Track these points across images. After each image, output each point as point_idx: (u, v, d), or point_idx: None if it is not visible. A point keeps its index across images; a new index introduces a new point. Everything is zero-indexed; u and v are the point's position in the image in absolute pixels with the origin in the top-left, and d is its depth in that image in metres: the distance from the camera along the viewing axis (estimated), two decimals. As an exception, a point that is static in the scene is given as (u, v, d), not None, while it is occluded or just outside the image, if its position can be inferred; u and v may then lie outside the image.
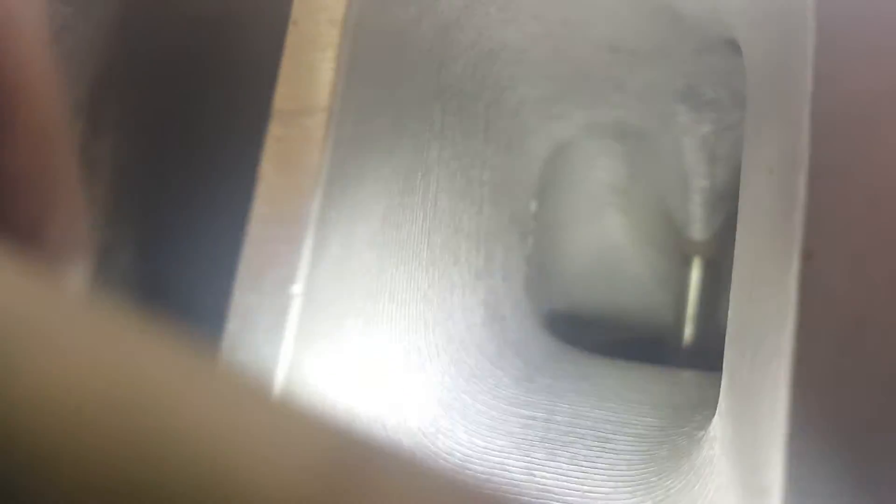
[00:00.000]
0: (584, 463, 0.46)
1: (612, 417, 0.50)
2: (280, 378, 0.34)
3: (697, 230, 0.72)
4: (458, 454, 0.46)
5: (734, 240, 0.41)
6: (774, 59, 0.37)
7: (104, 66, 0.48)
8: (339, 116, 0.36)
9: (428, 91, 0.46)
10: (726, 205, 0.70)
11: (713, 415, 0.44)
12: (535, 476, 0.46)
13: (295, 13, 0.37)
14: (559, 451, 0.47)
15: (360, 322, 0.41)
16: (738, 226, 0.39)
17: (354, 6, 0.36)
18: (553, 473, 0.46)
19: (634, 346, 0.82)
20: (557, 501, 0.44)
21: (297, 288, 0.34)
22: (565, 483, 0.45)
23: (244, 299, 0.34)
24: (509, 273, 0.65)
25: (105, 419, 0.09)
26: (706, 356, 0.73)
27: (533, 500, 0.44)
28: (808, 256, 0.30)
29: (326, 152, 0.35)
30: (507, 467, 0.46)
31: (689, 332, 0.75)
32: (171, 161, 0.50)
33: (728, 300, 0.41)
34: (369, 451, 0.10)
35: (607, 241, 0.81)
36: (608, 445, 0.47)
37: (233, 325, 0.34)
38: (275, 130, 0.35)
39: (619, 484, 0.45)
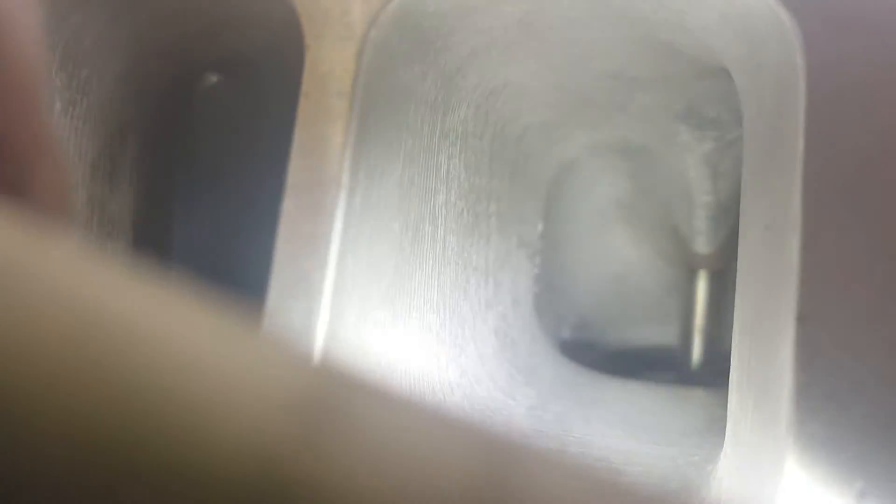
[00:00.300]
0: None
1: (622, 447, 0.51)
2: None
3: (702, 243, 0.73)
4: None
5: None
6: (768, 111, 0.38)
7: (118, 124, 0.49)
8: (350, 187, 0.37)
9: (433, 139, 0.48)
10: (730, 218, 0.71)
11: (722, 441, 0.45)
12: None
13: (305, 85, 0.38)
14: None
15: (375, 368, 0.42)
16: (738, 279, 0.40)
17: (362, 75, 0.38)
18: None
19: (644, 357, 0.84)
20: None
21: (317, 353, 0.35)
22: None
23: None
24: (519, 296, 0.67)
25: (87, 355, 0.09)
26: (714, 364, 0.74)
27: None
28: (803, 320, 0.32)
29: (337, 222, 0.37)
30: None
31: (697, 341, 0.76)
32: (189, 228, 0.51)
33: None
34: (351, 388, 0.10)
35: (615, 254, 0.82)
36: (620, 478, 0.48)
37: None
38: (288, 204, 0.37)
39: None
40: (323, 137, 0.37)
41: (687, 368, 0.77)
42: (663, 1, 0.39)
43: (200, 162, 0.55)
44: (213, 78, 0.55)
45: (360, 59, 0.37)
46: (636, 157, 0.73)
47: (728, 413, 0.41)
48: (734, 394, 0.40)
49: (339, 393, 0.10)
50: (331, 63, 0.37)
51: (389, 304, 0.42)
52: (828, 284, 0.32)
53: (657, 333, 0.85)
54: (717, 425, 0.51)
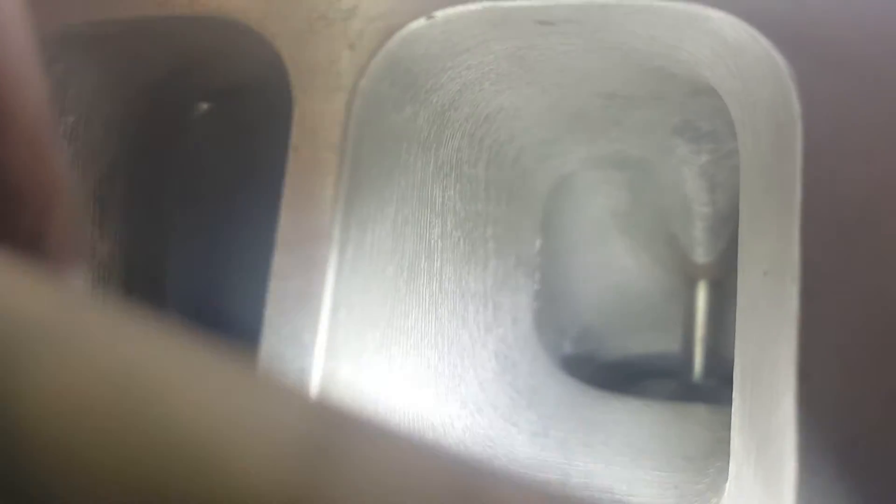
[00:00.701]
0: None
1: (626, 475, 0.51)
2: None
3: (701, 254, 0.72)
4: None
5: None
6: (765, 149, 0.37)
7: (107, 166, 0.48)
8: (341, 241, 0.37)
9: (427, 174, 0.47)
10: (728, 228, 0.71)
11: (726, 467, 0.44)
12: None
13: (294, 139, 0.37)
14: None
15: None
16: (737, 328, 0.39)
17: (351, 126, 0.37)
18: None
19: (647, 366, 0.83)
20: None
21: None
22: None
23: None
24: (519, 315, 0.66)
25: (121, 413, 0.09)
26: (717, 374, 0.74)
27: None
28: (805, 377, 0.31)
29: (329, 278, 0.36)
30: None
31: (699, 351, 0.76)
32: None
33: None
34: (351, 429, 0.10)
35: (615, 263, 0.81)
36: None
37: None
38: (279, 259, 0.36)
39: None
40: (313, 191, 0.36)
41: (689, 378, 0.77)
42: (655, 36, 0.38)
43: (193, 197, 0.55)
44: (204, 106, 0.54)
45: (349, 111, 0.36)
46: (633, 170, 0.73)
47: (731, 451, 0.41)
48: (737, 435, 0.40)
49: (340, 434, 0.10)
50: (320, 116, 0.37)
51: (386, 349, 0.42)
52: (829, 338, 0.31)
53: (659, 341, 0.84)
54: (720, 447, 0.51)
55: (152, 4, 0.39)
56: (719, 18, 0.34)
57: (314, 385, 0.35)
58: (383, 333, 0.42)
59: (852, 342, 0.31)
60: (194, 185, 0.54)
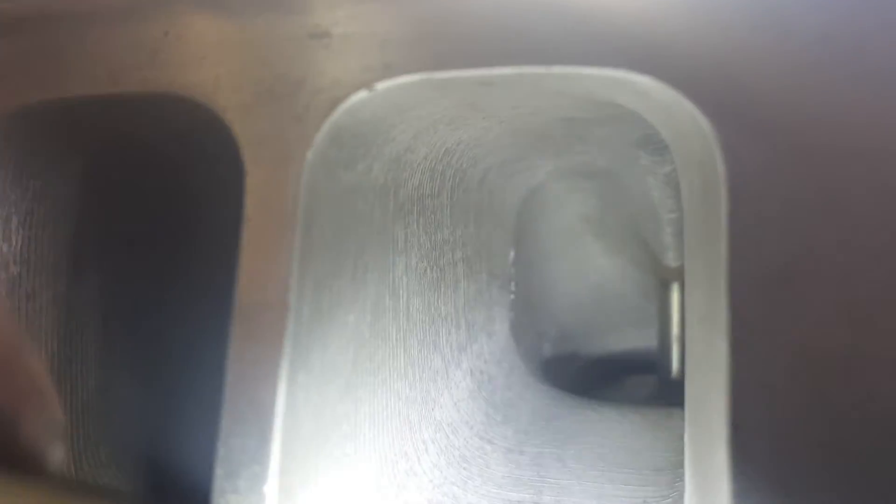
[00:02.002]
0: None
1: (596, 491, 0.53)
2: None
3: (672, 258, 0.74)
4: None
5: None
6: (697, 198, 0.39)
7: (79, 222, 0.50)
8: (297, 308, 0.38)
9: (386, 217, 0.48)
10: (698, 232, 0.72)
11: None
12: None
13: (247, 210, 0.39)
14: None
15: (342, 462, 0.44)
16: (686, 362, 0.41)
17: (303, 196, 0.38)
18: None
19: (626, 362, 0.85)
20: None
21: (273, 476, 0.37)
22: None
23: (223, 486, 0.37)
24: (494, 328, 0.68)
25: None
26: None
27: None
28: (736, 428, 0.33)
29: (286, 344, 0.38)
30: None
31: (675, 350, 0.78)
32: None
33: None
34: None
35: (589, 265, 0.83)
36: (592, 529, 0.50)
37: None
38: (236, 328, 0.38)
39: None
40: (266, 261, 0.38)
41: (667, 374, 0.79)
42: (592, 92, 0.39)
43: (144, 269, 0.56)
44: (157, 180, 0.55)
45: (298, 180, 0.38)
46: (601, 178, 0.74)
47: (685, 481, 0.42)
48: (689, 468, 0.42)
49: None
50: (270, 187, 0.38)
51: (352, 393, 0.44)
52: (758, 392, 0.33)
53: (637, 338, 0.86)
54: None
55: (105, 82, 0.40)
56: (645, 83, 0.35)
57: (275, 450, 0.36)
58: (348, 380, 0.44)
59: (780, 396, 0.33)
60: (145, 258, 0.55)
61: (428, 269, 0.55)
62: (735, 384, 0.33)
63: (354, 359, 0.45)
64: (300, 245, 0.38)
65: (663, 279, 0.76)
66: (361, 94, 0.38)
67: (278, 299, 0.38)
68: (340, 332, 0.43)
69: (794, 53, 0.34)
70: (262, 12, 0.39)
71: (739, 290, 0.34)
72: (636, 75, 0.35)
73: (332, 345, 0.42)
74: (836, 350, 0.32)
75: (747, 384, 0.33)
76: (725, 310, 0.34)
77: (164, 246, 0.53)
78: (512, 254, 0.72)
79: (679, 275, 0.75)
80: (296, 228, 0.38)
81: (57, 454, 0.20)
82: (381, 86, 0.37)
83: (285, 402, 0.37)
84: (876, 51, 0.34)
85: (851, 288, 0.33)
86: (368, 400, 0.47)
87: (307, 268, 0.39)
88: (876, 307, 0.33)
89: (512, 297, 0.73)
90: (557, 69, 0.36)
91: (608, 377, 0.83)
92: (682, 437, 0.60)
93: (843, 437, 0.32)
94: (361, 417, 0.46)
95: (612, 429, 0.62)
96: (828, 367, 0.32)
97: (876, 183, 0.33)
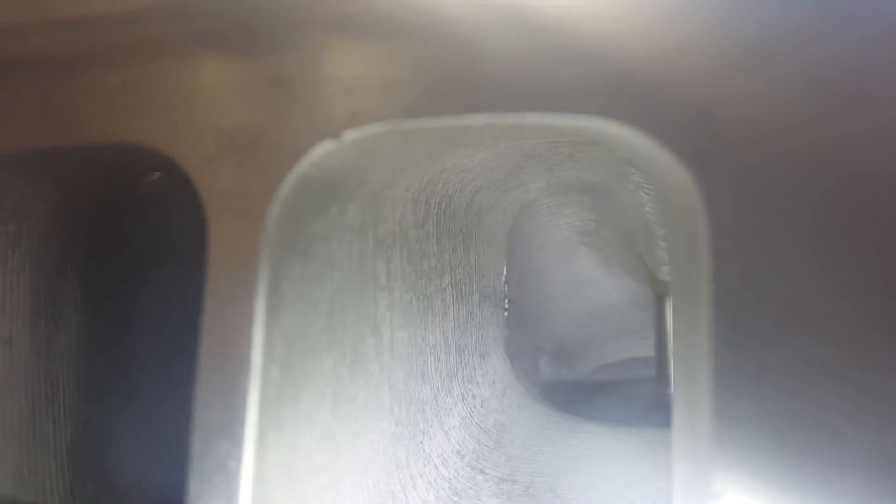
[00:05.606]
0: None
1: (586, 526, 0.52)
2: None
3: (666, 272, 0.72)
4: None
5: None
6: (681, 248, 0.37)
7: (55, 261, 0.49)
8: (264, 363, 0.37)
9: (366, 255, 0.47)
10: (695, 246, 0.70)
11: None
12: None
13: (211, 261, 0.37)
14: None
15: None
16: (673, 414, 0.40)
17: (267, 248, 0.37)
18: None
19: (625, 375, 0.84)
20: None
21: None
22: None
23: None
24: (486, 349, 0.67)
25: None
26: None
27: None
28: (717, 497, 0.31)
29: (252, 403, 0.36)
30: None
31: (672, 362, 0.76)
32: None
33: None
34: None
35: (584, 276, 0.81)
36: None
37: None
38: (200, 386, 0.37)
39: None
40: (232, 316, 0.37)
41: (664, 387, 0.77)
42: (572, 144, 0.38)
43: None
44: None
45: (263, 235, 0.36)
46: (595, 192, 0.72)
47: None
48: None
49: None
50: (234, 240, 0.37)
51: (330, 440, 0.42)
52: (741, 461, 0.31)
53: (635, 348, 0.85)
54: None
55: (65, 133, 0.38)
56: (623, 132, 0.33)
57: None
58: (325, 427, 0.42)
59: (766, 463, 0.31)
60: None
61: (414, 301, 0.54)
62: (717, 455, 0.32)
63: (333, 404, 0.43)
64: (266, 300, 0.37)
65: (658, 294, 0.74)
66: (327, 145, 0.36)
67: (242, 357, 0.36)
68: (316, 379, 0.42)
69: (781, 99, 0.33)
70: (222, 58, 0.37)
71: (724, 357, 0.32)
72: (614, 124, 0.34)
73: (306, 396, 0.41)
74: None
75: (729, 455, 0.32)
76: (709, 378, 0.32)
77: (135, 291, 0.52)
78: (504, 271, 0.71)
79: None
80: (260, 283, 0.37)
81: None
82: (349, 135, 0.36)
83: (254, 466, 0.36)
84: (871, 95, 0.32)
85: (840, 346, 0.31)
86: (349, 445, 0.45)
87: (275, 322, 0.37)
88: (869, 364, 0.31)
89: (505, 315, 0.71)
90: (533, 117, 0.34)
91: (605, 390, 0.82)
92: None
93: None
94: (342, 464, 0.44)
95: (608, 454, 0.60)
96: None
97: (869, 238, 0.31)
